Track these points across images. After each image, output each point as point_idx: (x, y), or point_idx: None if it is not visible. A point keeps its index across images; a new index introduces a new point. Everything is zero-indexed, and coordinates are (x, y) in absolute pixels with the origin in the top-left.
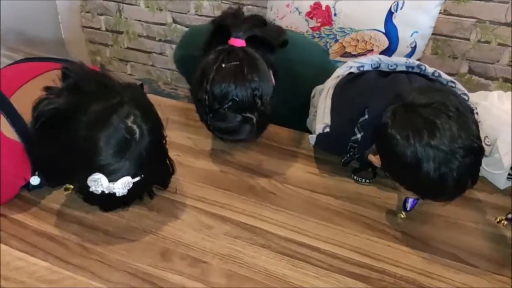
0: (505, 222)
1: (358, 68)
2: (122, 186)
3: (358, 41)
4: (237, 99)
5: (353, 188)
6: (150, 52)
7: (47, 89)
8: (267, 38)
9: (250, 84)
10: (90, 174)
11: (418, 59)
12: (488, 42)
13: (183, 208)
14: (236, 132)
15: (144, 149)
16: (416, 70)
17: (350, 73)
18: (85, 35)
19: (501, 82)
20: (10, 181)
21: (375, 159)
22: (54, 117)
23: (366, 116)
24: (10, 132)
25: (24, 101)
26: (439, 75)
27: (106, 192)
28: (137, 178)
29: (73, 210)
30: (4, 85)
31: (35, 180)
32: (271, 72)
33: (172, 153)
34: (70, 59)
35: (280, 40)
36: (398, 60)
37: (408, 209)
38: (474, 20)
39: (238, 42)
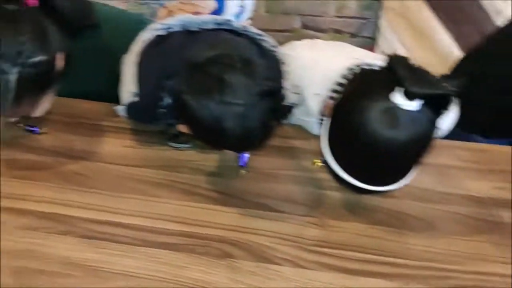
0: (320, 164)
1: (165, 30)
2: None
3: (184, 4)
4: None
5: (172, 155)
6: None
7: None
8: (63, 11)
9: (16, 36)
10: None
11: (251, 18)
12: None
13: None
14: None
15: None
16: (226, 26)
17: (158, 36)
18: None
19: (332, 33)
20: None
21: (184, 128)
22: None
23: (172, 82)
24: None
25: None
26: (246, 29)
27: None
28: None
29: None
30: None
31: None
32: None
33: None
34: None
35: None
36: (206, 19)
37: (243, 164)
38: None
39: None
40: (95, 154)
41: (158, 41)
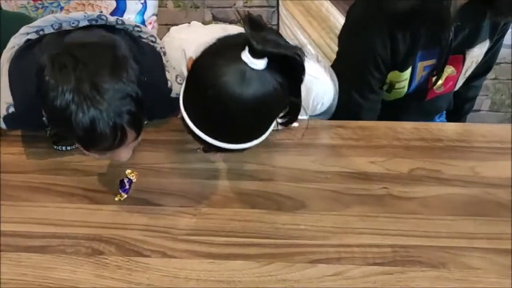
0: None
1: (37, 32)
2: None
3: (84, 5)
4: None
5: (55, 159)
6: None
7: None
8: None
9: None
10: None
11: (155, 15)
12: None
13: None
14: None
15: None
16: (100, 22)
17: (28, 40)
18: None
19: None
20: None
21: None
22: None
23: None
24: None
25: None
26: (123, 23)
27: None
28: None
29: None
30: None
31: None
32: None
33: None
34: None
35: None
36: (77, 16)
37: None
38: None
39: None
40: None
41: (29, 46)
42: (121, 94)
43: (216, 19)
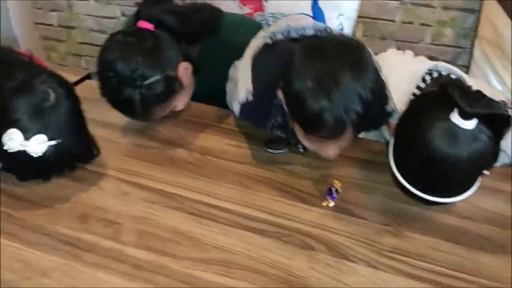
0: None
1: (270, 37)
2: (36, 143)
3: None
4: (117, 69)
5: (268, 157)
6: None
7: None
8: (175, 27)
9: (131, 61)
10: (5, 131)
11: None
12: (411, 22)
13: (104, 178)
14: (124, 107)
15: (59, 112)
16: (324, 33)
17: (267, 44)
18: (38, 31)
19: None
20: None
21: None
22: None
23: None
24: None
25: None
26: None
27: (21, 149)
28: (54, 142)
29: None
30: None
31: None
32: (179, 60)
33: (104, 131)
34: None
35: (205, 29)
36: (306, 24)
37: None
38: (398, 2)
39: (144, 24)
40: (202, 147)
41: (268, 48)
42: (355, 94)
43: None
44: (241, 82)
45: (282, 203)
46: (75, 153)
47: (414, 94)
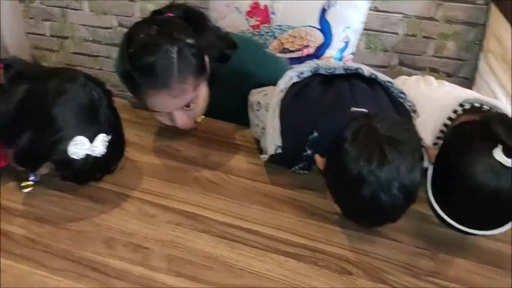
0: None
1: (298, 76)
2: (101, 143)
3: (295, 37)
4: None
5: (292, 177)
6: (97, 56)
7: None
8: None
9: (171, 30)
10: (65, 141)
11: (353, 53)
12: (414, 35)
13: (127, 200)
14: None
15: (104, 108)
16: (355, 74)
17: (294, 84)
18: (29, 41)
19: (428, 72)
20: None
21: (320, 161)
22: (19, 107)
23: (316, 135)
24: None
25: None
26: (376, 77)
27: (89, 153)
28: (110, 136)
29: (19, 204)
30: None
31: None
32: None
33: None
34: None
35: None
36: (336, 65)
37: None
38: (401, 15)
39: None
40: (224, 166)
41: (297, 93)
42: (407, 167)
43: (402, 64)
44: (269, 133)
45: (312, 225)
46: (125, 146)
47: (445, 125)
